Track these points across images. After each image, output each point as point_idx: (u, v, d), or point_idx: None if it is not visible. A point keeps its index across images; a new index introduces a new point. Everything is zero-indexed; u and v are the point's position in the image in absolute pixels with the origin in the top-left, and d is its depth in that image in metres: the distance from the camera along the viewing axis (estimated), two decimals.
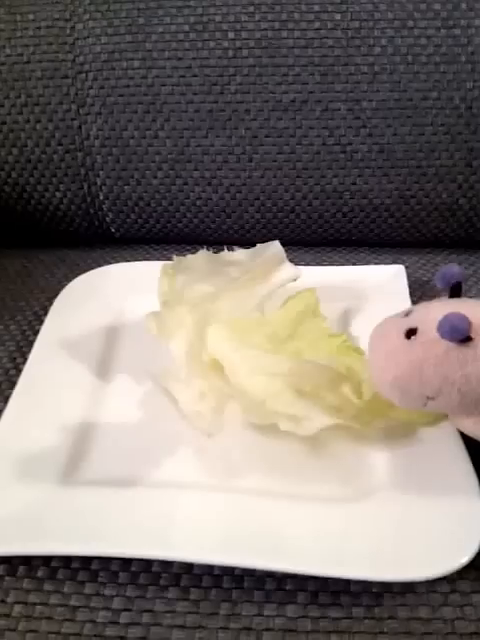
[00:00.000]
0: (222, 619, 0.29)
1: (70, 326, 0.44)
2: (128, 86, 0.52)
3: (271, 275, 0.41)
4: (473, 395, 0.28)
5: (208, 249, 0.43)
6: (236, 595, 0.30)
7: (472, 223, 0.55)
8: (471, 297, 0.32)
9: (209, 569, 0.31)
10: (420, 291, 0.50)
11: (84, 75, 0.52)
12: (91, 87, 0.52)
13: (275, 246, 0.42)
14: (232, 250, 0.43)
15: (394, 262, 0.52)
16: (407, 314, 0.31)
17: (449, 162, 0.52)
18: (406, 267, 0.49)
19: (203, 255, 0.42)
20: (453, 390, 0.28)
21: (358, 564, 0.29)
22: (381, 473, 0.34)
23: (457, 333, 0.27)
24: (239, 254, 0.43)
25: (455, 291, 0.31)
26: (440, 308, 0.29)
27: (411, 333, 0.29)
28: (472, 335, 0.28)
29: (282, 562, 0.29)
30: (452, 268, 0.32)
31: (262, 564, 0.30)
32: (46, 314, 0.46)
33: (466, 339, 0.28)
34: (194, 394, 0.35)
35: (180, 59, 0.51)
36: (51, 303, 0.47)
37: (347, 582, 0.30)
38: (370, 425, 0.34)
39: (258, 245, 0.43)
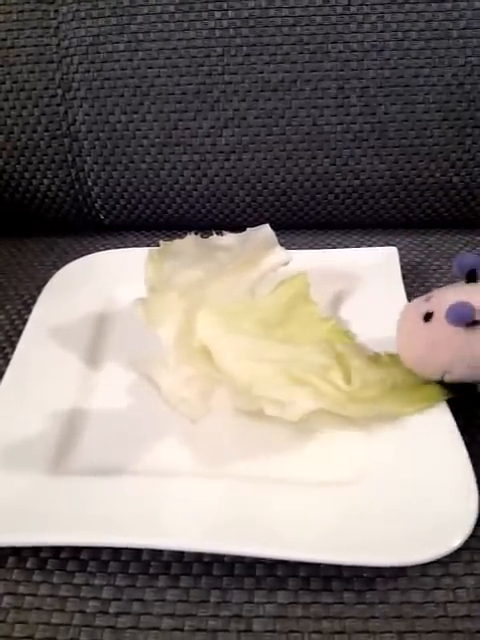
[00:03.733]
0: (212, 607, 0.29)
1: (59, 314, 0.44)
2: (114, 69, 0.51)
3: (262, 260, 0.40)
4: None
5: (197, 234, 0.42)
6: (226, 582, 0.30)
7: (466, 202, 0.54)
8: None
9: (199, 557, 0.30)
10: (414, 273, 0.49)
11: (69, 59, 0.51)
12: (76, 71, 0.51)
13: (265, 230, 0.42)
14: (221, 235, 0.42)
15: (387, 244, 0.51)
16: (428, 299, 0.34)
17: (442, 140, 0.51)
18: (399, 249, 0.48)
19: (191, 240, 0.41)
20: (463, 365, 0.33)
21: (350, 549, 0.29)
22: (372, 457, 0.33)
23: (461, 319, 0.31)
24: (228, 238, 0.42)
25: (471, 277, 0.34)
26: (453, 294, 0.33)
27: (428, 316, 0.33)
28: (478, 318, 0.31)
29: (273, 549, 0.29)
30: (467, 257, 0.34)
31: (253, 551, 0.29)
32: (35, 303, 0.45)
33: (473, 323, 0.31)
34: (181, 380, 0.34)
35: (166, 40, 0.50)
36: (40, 291, 0.46)
37: (338, 567, 0.30)
38: (358, 412, 0.33)
39: (248, 229, 0.42)
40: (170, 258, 0.39)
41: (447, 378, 0.34)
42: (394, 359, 0.36)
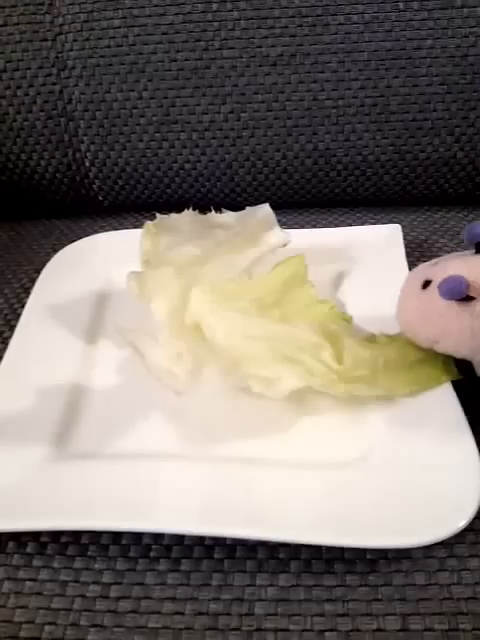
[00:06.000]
0: (213, 590, 0.29)
1: (58, 296, 0.43)
2: (109, 46, 0.50)
3: (260, 239, 0.40)
4: (469, 346, 0.31)
5: (195, 211, 0.42)
6: (227, 565, 0.29)
7: (471, 178, 0.53)
8: None
9: (200, 540, 0.30)
10: (418, 251, 0.48)
11: (63, 37, 0.50)
12: (71, 49, 0.50)
13: (265, 209, 0.41)
14: (220, 212, 0.42)
15: (390, 221, 0.50)
16: (434, 264, 0.33)
17: (445, 114, 0.50)
18: (403, 226, 0.47)
19: (189, 215, 0.40)
20: (451, 339, 0.32)
21: (352, 531, 0.28)
22: (375, 437, 0.33)
23: (453, 294, 0.30)
24: (227, 216, 0.41)
25: (479, 248, 0.33)
26: (455, 265, 0.32)
27: (427, 284, 0.32)
28: (473, 294, 0.30)
29: (275, 531, 0.29)
30: (477, 226, 0.33)
31: (253, 534, 0.29)
32: (34, 286, 0.45)
33: (466, 298, 0.30)
34: (170, 355, 0.34)
35: (162, 15, 0.49)
36: (39, 275, 0.46)
37: (341, 549, 0.29)
38: (347, 391, 0.32)
39: (247, 208, 0.42)
40: (167, 233, 0.39)
41: (437, 348, 0.33)
42: (391, 339, 0.35)
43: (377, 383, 0.33)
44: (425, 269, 0.34)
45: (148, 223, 0.40)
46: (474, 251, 0.33)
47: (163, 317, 0.35)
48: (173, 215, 0.41)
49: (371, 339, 0.36)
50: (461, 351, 0.32)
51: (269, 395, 0.32)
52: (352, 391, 0.33)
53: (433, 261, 0.34)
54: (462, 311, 0.31)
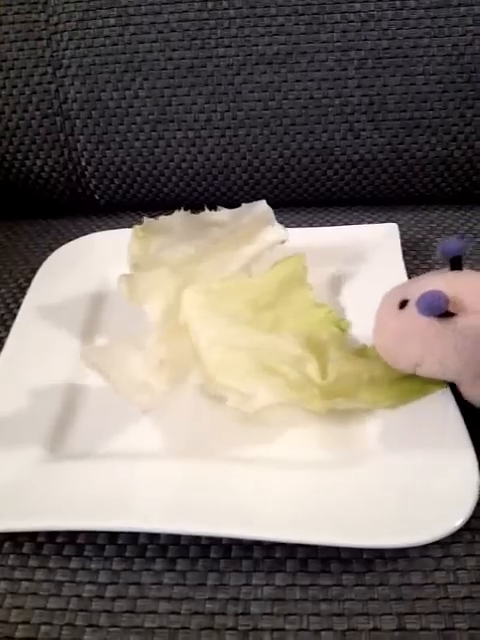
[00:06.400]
0: (209, 590, 0.28)
1: (53, 296, 0.43)
2: (105, 45, 0.50)
3: (257, 236, 0.39)
4: (454, 365, 0.30)
5: (188, 211, 0.41)
6: (223, 565, 0.29)
7: (468, 176, 0.53)
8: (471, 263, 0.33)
9: (196, 539, 0.30)
10: (414, 250, 0.48)
11: (59, 36, 0.50)
12: (66, 48, 0.50)
13: (261, 206, 0.41)
14: (215, 210, 0.41)
15: (387, 220, 0.50)
16: (410, 284, 0.32)
17: (442, 113, 0.50)
18: (400, 225, 0.47)
19: (180, 216, 0.40)
20: (434, 360, 0.30)
21: (349, 530, 0.28)
22: (372, 436, 0.33)
23: (432, 310, 0.29)
24: (222, 214, 0.41)
25: (455, 264, 0.32)
26: (431, 282, 0.30)
27: (404, 304, 0.31)
28: (452, 310, 0.29)
29: (270, 530, 0.29)
30: (451, 242, 0.32)
31: (249, 533, 0.29)
32: (30, 286, 0.45)
33: (446, 314, 0.29)
34: (153, 362, 0.33)
35: (158, 14, 0.49)
36: (35, 274, 0.46)
37: (337, 549, 0.29)
38: (325, 407, 0.32)
39: (243, 205, 0.41)
40: (157, 235, 0.38)
41: (419, 371, 0.31)
42: None
43: (358, 397, 0.32)
44: (400, 289, 0.32)
45: (136, 227, 0.39)
46: (450, 267, 0.32)
47: (157, 318, 0.35)
48: (163, 217, 0.40)
49: (361, 351, 0.35)
50: (447, 372, 0.31)
51: (243, 409, 0.32)
52: (331, 406, 0.32)
53: (407, 282, 0.33)
54: (443, 328, 0.29)
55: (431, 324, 0.29)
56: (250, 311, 0.35)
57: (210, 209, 0.42)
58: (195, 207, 0.44)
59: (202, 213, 0.41)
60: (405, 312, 0.31)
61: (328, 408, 0.32)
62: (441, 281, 0.30)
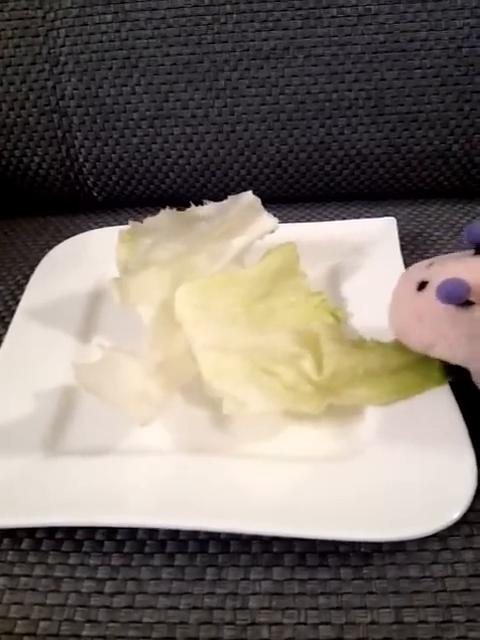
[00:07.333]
0: (208, 584, 0.29)
1: (51, 294, 0.43)
2: (102, 41, 0.50)
3: (247, 227, 0.39)
4: (464, 352, 0.30)
5: (173, 209, 0.40)
6: (222, 560, 0.29)
7: (466, 170, 0.53)
8: None
9: (194, 534, 0.30)
10: (413, 244, 0.48)
11: (55, 32, 0.50)
12: (63, 44, 0.50)
13: (248, 196, 0.40)
14: (201, 205, 0.41)
15: (385, 214, 0.50)
16: (429, 265, 0.32)
17: (440, 107, 0.50)
18: (398, 219, 0.47)
19: (166, 215, 0.39)
20: (446, 345, 0.30)
21: (346, 524, 0.28)
22: (370, 430, 0.33)
23: (452, 299, 0.28)
24: (208, 208, 0.40)
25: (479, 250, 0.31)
26: (454, 267, 0.30)
27: (423, 285, 0.31)
28: (473, 299, 0.28)
29: (268, 524, 0.29)
30: (477, 226, 0.31)
31: (247, 528, 0.29)
32: (28, 283, 0.45)
33: (466, 303, 0.28)
34: (150, 366, 0.32)
35: (154, 10, 0.49)
36: (33, 272, 0.46)
37: (335, 543, 0.29)
38: (319, 407, 0.31)
39: (229, 197, 0.40)
40: (144, 237, 0.38)
41: (431, 353, 0.31)
42: (378, 344, 0.34)
43: (355, 393, 0.32)
44: (420, 270, 0.32)
45: (121, 230, 0.38)
46: (474, 252, 0.31)
47: (150, 321, 0.34)
48: (149, 218, 0.39)
49: (358, 343, 0.35)
50: (457, 357, 0.31)
51: (239, 414, 0.32)
52: (325, 405, 0.32)
53: (428, 261, 0.32)
54: (460, 316, 0.29)
55: (448, 310, 0.29)
56: (244, 305, 0.34)
57: (195, 204, 0.41)
58: (194, 203, 0.43)
59: (188, 209, 0.40)
60: (423, 294, 0.30)
61: (323, 408, 0.32)
62: (463, 268, 0.29)
